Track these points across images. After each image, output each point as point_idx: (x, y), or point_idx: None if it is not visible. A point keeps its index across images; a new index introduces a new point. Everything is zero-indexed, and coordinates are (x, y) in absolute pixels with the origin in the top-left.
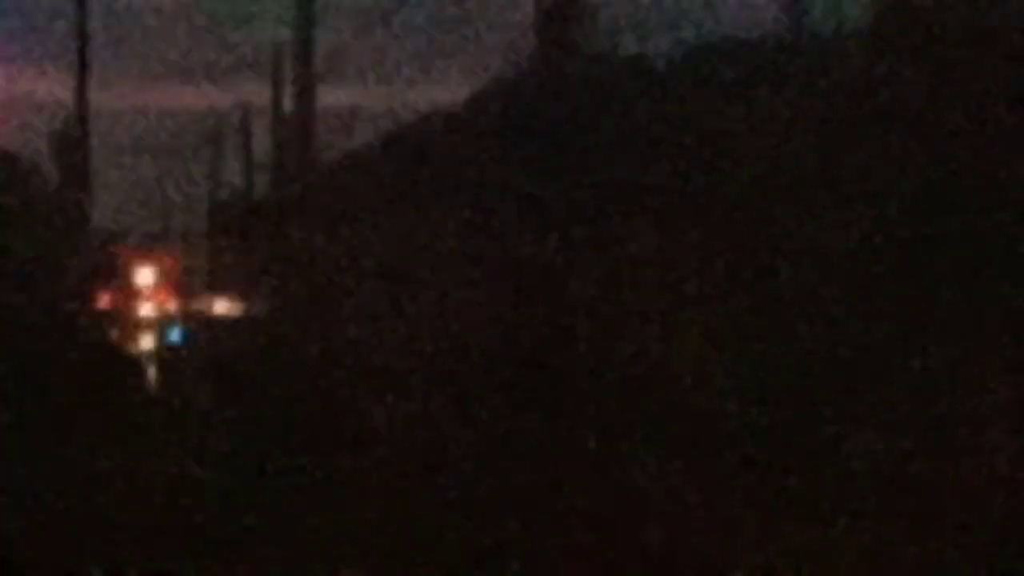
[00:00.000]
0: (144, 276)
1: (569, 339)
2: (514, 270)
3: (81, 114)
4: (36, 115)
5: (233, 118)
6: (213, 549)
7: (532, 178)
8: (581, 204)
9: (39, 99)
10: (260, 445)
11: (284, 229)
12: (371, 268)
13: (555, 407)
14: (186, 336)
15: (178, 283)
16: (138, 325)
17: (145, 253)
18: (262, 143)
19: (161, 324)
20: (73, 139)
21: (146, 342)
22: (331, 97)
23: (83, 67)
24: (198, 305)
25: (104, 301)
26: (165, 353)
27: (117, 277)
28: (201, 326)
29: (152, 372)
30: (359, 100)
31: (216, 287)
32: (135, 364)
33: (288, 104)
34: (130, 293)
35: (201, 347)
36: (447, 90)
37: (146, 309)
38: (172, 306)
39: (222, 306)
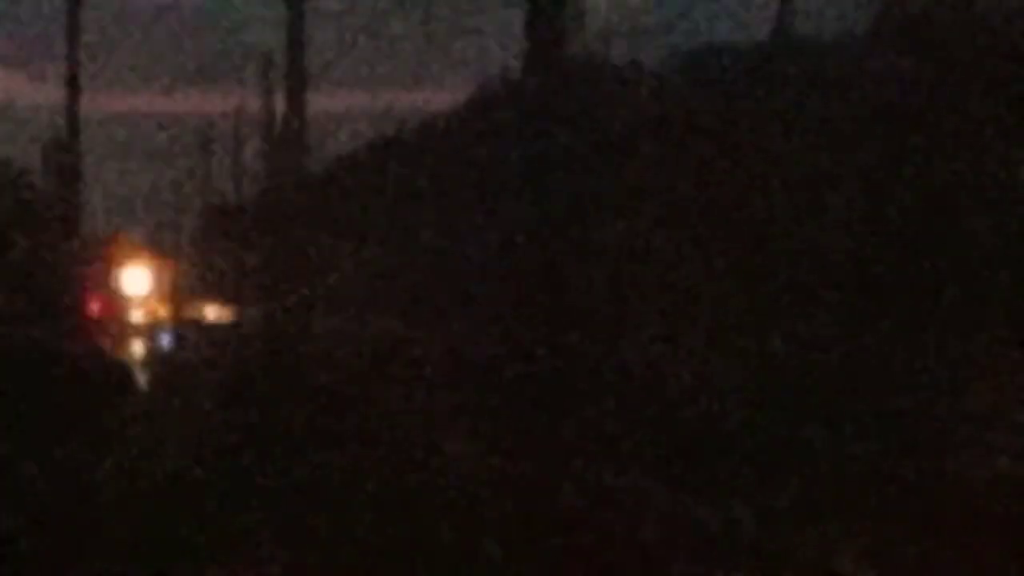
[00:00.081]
0: (135, 280)
1: (569, 339)
2: (513, 270)
3: (72, 119)
4: (27, 120)
5: (224, 123)
6: (212, 549)
7: (532, 178)
8: (581, 204)
9: (30, 104)
10: (259, 445)
11: (276, 232)
12: (365, 270)
13: (555, 407)
14: (177, 339)
15: (169, 287)
16: (129, 329)
17: (137, 256)
18: (253, 148)
19: (152, 328)
20: (64, 144)
21: (137, 346)
22: (322, 102)
23: (74, 73)
24: (189, 309)
25: (95, 305)
26: (157, 356)
27: (108, 281)
28: (192, 330)
29: (144, 375)
30: (350, 104)
31: (208, 291)
32: (127, 367)
33: (279, 109)
34: (121, 297)
35: (192, 350)
36: (438, 94)
37: (137, 314)
38: (163, 311)
39: (213, 310)
